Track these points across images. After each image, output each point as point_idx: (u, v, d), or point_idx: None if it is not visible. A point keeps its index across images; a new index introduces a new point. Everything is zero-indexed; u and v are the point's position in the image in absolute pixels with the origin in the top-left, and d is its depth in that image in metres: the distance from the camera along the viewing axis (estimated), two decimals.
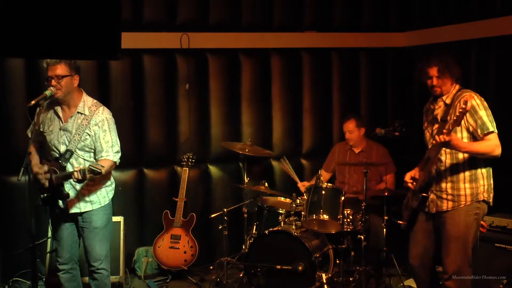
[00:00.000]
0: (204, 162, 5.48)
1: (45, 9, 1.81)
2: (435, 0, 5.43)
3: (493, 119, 3.44)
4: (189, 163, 5.15)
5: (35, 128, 3.59)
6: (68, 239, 3.82)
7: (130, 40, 4.88)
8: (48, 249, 4.69)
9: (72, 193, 3.69)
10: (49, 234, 4.72)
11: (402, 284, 4.55)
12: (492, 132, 3.40)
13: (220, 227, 4.86)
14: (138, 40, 5.08)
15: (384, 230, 4.57)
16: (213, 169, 5.52)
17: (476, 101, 3.41)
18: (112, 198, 3.91)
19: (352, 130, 5.02)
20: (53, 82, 3.57)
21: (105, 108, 3.78)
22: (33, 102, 3.44)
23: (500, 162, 3.48)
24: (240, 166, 5.52)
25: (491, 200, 3.58)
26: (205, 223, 5.27)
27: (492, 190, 3.58)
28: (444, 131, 3.28)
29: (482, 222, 4.07)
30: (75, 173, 3.46)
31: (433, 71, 3.51)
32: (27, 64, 4.88)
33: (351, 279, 4.56)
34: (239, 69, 5.49)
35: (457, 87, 3.57)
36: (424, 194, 3.59)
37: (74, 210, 3.74)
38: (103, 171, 3.47)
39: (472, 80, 4.93)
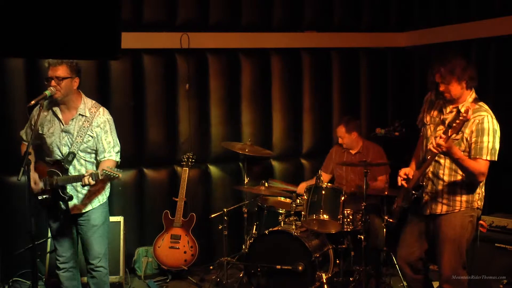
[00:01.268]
0: (204, 162, 5.48)
1: (45, 9, 1.81)
2: (435, 0, 5.43)
3: (496, 147, 3.36)
4: (189, 163, 5.15)
5: (35, 129, 3.56)
6: (68, 237, 3.83)
7: (130, 40, 4.88)
8: (48, 249, 4.69)
9: (73, 195, 3.70)
10: (49, 234, 4.72)
11: (402, 284, 4.55)
12: (485, 160, 3.34)
13: (220, 227, 4.86)
14: (138, 40, 5.08)
15: (384, 230, 4.57)
16: (213, 169, 5.52)
17: (488, 125, 3.32)
18: (109, 196, 3.92)
19: (342, 135, 5.03)
20: (53, 83, 3.56)
21: (105, 109, 3.79)
22: (33, 102, 3.44)
23: (500, 162, 3.47)
24: (240, 166, 5.52)
25: (481, 208, 3.58)
26: (205, 223, 5.27)
27: (483, 199, 3.57)
28: (443, 136, 3.20)
29: (482, 222, 4.10)
30: (86, 179, 3.47)
31: (437, 78, 3.40)
32: (27, 64, 4.88)
33: (351, 279, 4.56)
34: (239, 69, 5.49)
35: (473, 95, 3.44)
36: (416, 194, 3.54)
37: (75, 211, 3.75)
38: (120, 175, 3.49)
39: None
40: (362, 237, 4.35)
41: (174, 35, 5.20)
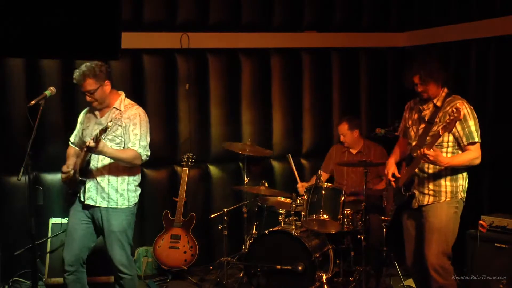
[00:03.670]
0: (204, 162, 5.48)
1: (45, 10, 1.81)
2: (435, 0, 5.43)
3: (479, 129, 3.59)
4: (189, 163, 5.15)
5: (81, 130, 3.74)
6: (80, 241, 3.77)
7: (130, 40, 4.87)
8: (48, 249, 4.69)
9: (92, 185, 3.71)
10: (49, 234, 4.72)
11: (402, 284, 4.55)
12: (476, 142, 3.56)
13: (220, 227, 4.85)
14: (138, 40, 5.08)
15: (384, 230, 4.57)
16: (213, 169, 5.52)
17: (467, 110, 3.57)
18: (136, 205, 3.94)
19: (344, 133, 5.03)
20: (88, 98, 3.68)
21: (140, 107, 3.84)
22: (33, 102, 3.44)
23: (500, 162, 3.49)
24: (240, 166, 5.52)
25: (464, 200, 3.73)
26: (205, 223, 5.27)
27: (466, 191, 3.74)
28: (424, 148, 3.43)
29: (482, 222, 4.17)
30: (88, 141, 3.46)
31: (416, 79, 3.65)
32: (27, 64, 4.88)
33: (351, 279, 4.56)
34: (239, 69, 5.49)
35: (446, 90, 3.70)
36: (410, 193, 3.72)
37: (89, 201, 3.72)
38: (109, 125, 3.43)
39: (472, 80, 4.93)
40: (362, 237, 4.35)
41: (174, 35, 5.20)
